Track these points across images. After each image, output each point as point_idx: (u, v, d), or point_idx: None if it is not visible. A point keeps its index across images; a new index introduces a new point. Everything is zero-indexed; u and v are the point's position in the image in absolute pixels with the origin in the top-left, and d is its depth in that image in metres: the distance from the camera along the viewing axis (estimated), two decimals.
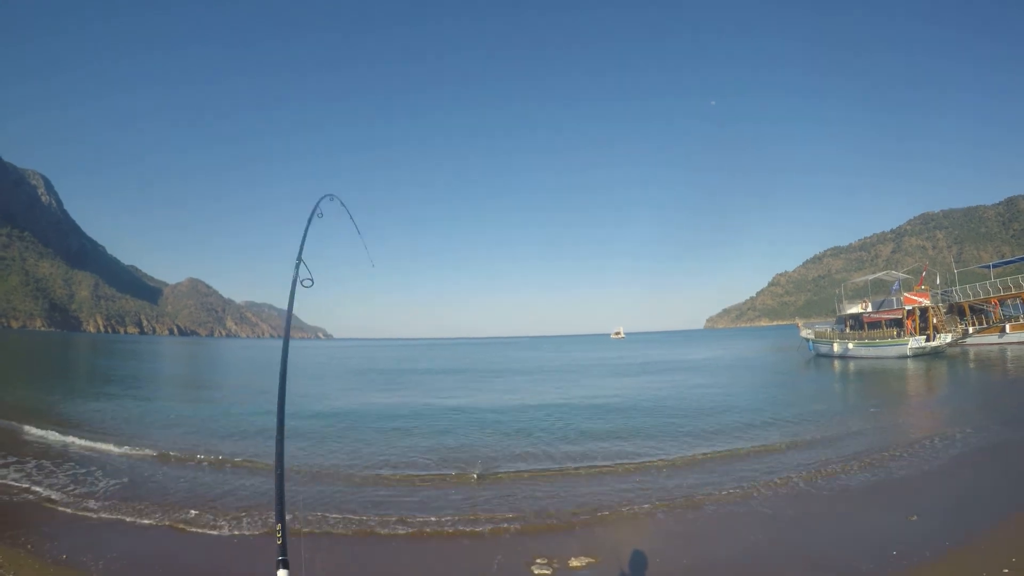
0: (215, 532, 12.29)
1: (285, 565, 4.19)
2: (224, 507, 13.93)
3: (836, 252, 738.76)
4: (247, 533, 12.22)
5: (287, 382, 5.36)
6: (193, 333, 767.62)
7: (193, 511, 13.41)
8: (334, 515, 13.22)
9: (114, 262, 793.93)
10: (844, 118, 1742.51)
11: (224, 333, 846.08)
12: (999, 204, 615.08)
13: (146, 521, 12.88)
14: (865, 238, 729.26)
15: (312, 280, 6.63)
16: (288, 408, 4.97)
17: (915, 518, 12.00)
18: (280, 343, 6.36)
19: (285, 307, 6.63)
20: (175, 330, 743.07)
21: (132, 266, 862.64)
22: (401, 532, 12.36)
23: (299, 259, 6.63)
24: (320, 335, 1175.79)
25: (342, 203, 8.64)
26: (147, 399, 35.91)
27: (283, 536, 4.36)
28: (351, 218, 9.16)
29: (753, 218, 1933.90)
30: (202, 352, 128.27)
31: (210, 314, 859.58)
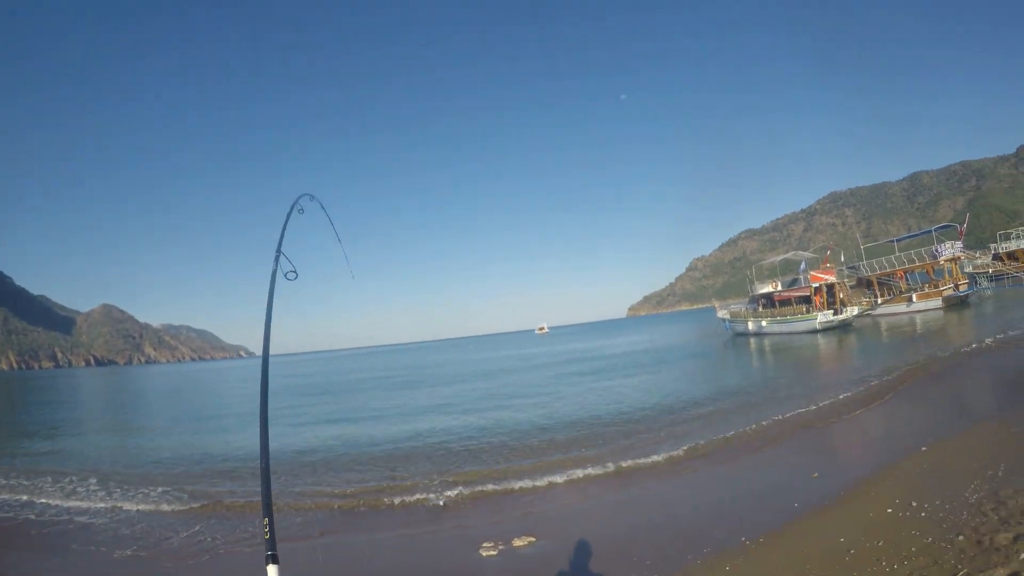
0: None
1: (274, 560, 4.04)
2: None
3: (750, 234, 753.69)
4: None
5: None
6: (111, 362, 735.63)
7: None
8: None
9: (23, 293, 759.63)
10: (752, 101, 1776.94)
11: (143, 360, 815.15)
12: (903, 180, 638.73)
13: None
14: (777, 219, 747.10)
15: (296, 273, 6.43)
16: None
17: (816, 475, 13.51)
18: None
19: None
20: (91, 361, 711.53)
21: (42, 295, 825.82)
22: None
23: (278, 251, 6.50)
24: (242, 353, 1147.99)
25: (322, 206, 8.20)
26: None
27: (271, 531, 4.18)
28: (331, 223, 8.61)
29: (668, 205, 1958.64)
30: (123, 384, 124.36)
31: (127, 341, 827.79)
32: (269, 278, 6.26)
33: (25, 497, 18.85)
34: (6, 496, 19.40)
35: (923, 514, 9.86)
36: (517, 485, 15.72)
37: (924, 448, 13.87)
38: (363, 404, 40.98)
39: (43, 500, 18.41)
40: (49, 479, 20.87)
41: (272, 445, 5.13)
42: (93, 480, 19.96)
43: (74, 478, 20.49)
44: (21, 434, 35.87)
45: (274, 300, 6.19)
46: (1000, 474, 10.92)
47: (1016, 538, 8.17)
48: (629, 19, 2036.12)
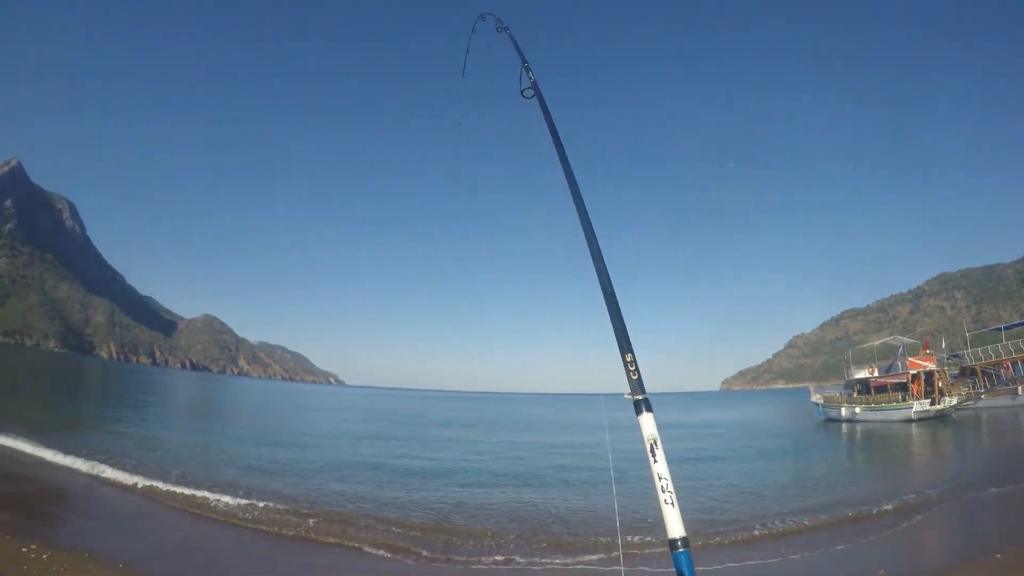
0: None
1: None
2: None
3: (854, 314, 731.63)
4: None
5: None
6: (205, 368, 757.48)
7: None
8: None
9: (131, 291, 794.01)
10: (856, 174, 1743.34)
11: (236, 371, 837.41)
12: (1017, 262, 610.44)
13: None
14: (883, 299, 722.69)
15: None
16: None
17: (883, 573, 13.21)
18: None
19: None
20: (187, 364, 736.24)
21: (149, 297, 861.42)
22: None
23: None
24: (332, 380, 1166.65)
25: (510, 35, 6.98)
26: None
27: None
28: (516, 48, 6.67)
29: (770, 278, 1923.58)
30: (223, 388, 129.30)
31: (223, 351, 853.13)
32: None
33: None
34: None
35: None
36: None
37: (999, 555, 13.43)
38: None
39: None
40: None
41: None
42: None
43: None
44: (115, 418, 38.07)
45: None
46: None
47: None
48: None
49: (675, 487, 3.84)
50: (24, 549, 11.92)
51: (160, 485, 18.67)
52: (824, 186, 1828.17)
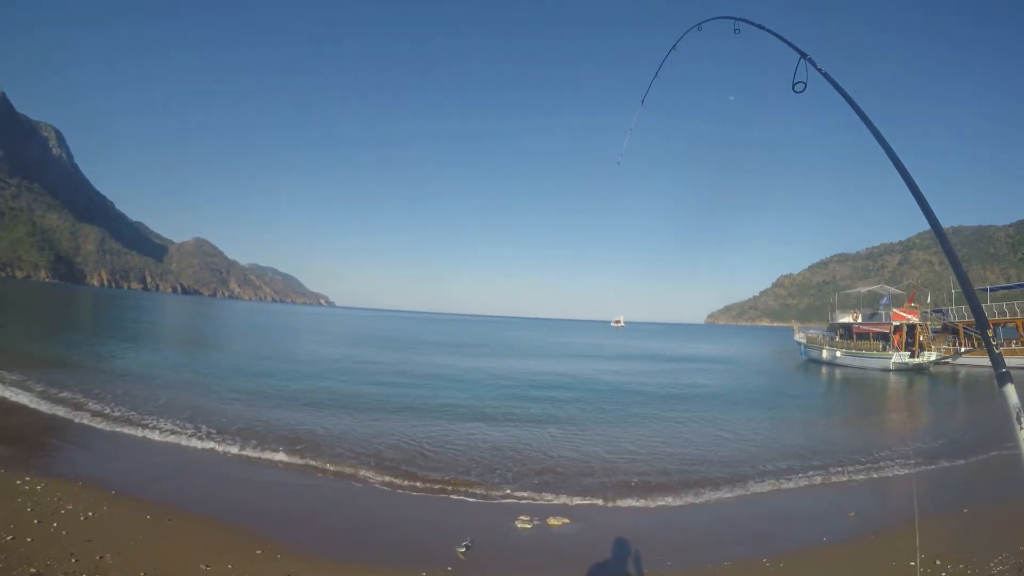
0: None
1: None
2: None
3: (843, 259, 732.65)
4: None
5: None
6: (196, 292, 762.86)
7: None
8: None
9: (121, 217, 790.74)
10: (855, 126, 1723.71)
11: (227, 294, 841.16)
12: (1010, 226, 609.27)
13: None
14: (873, 247, 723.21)
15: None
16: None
17: (853, 515, 13.80)
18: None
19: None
20: (178, 288, 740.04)
21: (139, 222, 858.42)
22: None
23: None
24: (322, 301, 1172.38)
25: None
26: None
27: None
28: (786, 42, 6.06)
29: (760, 217, 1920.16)
30: (213, 312, 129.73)
31: (214, 274, 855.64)
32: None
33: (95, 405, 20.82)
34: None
35: (943, 574, 10.14)
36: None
37: (966, 510, 13.99)
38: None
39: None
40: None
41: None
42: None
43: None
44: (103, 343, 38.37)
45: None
46: None
47: None
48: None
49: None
50: (18, 482, 12.29)
51: (149, 419, 18.76)
52: (825, 130, 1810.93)
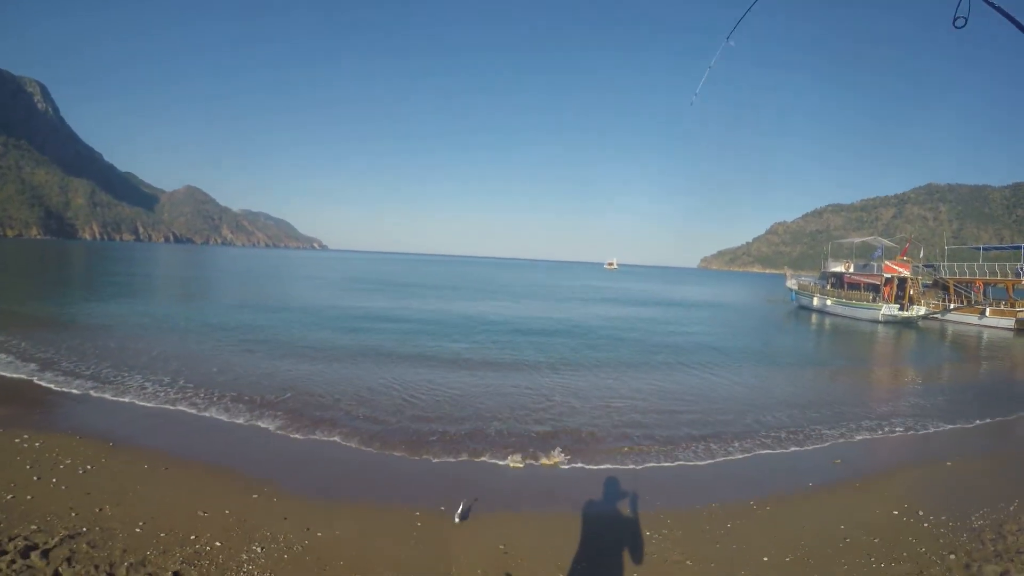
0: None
1: None
2: None
3: (837, 209, 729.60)
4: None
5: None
6: (189, 241, 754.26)
7: None
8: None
9: (110, 169, 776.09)
10: (858, 81, 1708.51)
11: (220, 241, 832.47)
12: (1006, 187, 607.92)
13: None
14: (868, 199, 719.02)
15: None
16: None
17: (839, 462, 14.08)
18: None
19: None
20: (171, 237, 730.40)
21: (129, 173, 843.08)
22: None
23: None
24: (315, 245, 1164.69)
25: None
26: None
27: None
28: None
29: (756, 163, 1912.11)
30: (204, 260, 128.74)
31: (206, 222, 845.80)
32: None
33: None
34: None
35: (925, 524, 10.39)
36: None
37: (949, 463, 14.25)
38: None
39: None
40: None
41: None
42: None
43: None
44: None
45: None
46: (1012, 508, 11.28)
47: (1003, 573, 8.59)
48: None
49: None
50: (16, 440, 12.37)
51: (139, 377, 18.47)
52: (825, 79, 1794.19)
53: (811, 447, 15.16)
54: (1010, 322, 54.86)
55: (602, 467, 12.69)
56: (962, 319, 59.81)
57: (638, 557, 8.83)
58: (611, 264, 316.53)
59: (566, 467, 12.64)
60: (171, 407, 15.78)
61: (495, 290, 71.94)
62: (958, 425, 18.23)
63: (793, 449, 14.90)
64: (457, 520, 9.15)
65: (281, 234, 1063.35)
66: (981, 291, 62.05)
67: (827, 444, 15.47)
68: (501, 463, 12.70)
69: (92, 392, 16.71)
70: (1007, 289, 59.94)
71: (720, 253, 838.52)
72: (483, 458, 13.03)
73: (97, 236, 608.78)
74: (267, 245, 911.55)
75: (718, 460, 13.86)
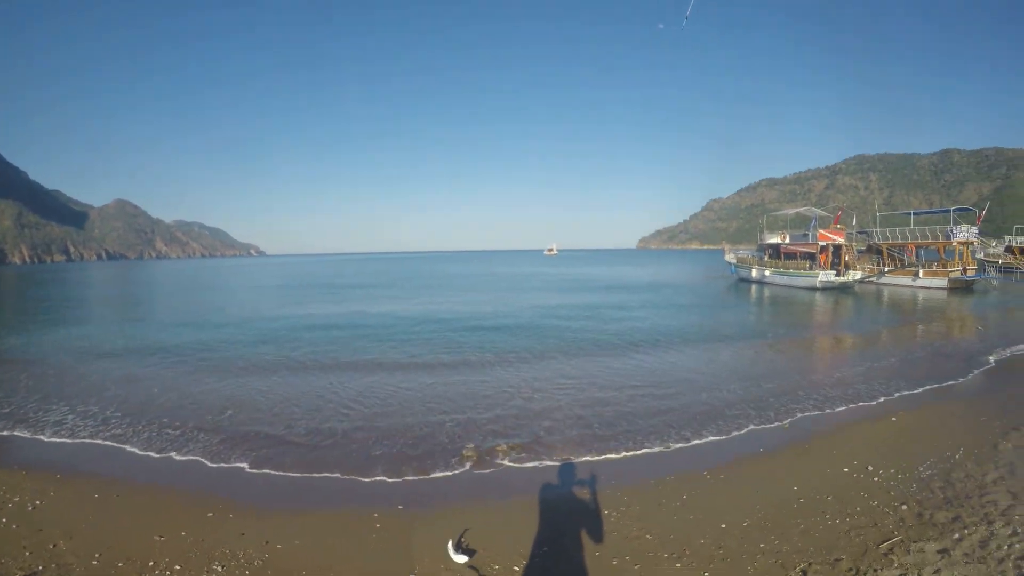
0: None
1: None
2: None
3: (771, 183, 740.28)
4: None
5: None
6: (122, 257, 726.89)
7: None
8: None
9: (37, 187, 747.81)
10: (784, 56, 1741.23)
11: (154, 255, 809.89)
12: (934, 154, 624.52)
13: None
14: (800, 172, 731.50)
15: None
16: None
17: (787, 425, 14.15)
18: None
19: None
20: (103, 255, 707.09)
21: (56, 191, 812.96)
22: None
23: None
24: (252, 251, 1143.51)
25: None
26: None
27: None
28: None
29: (689, 142, 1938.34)
30: (135, 276, 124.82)
31: (139, 236, 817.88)
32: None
33: None
34: None
35: (875, 479, 10.62)
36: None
37: (894, 418, 14.51)
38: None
39: None
40: None
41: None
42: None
43: None
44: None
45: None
46: (957, 457, 11.61)
47: (954, 519, 8.85)
48: None
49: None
50: None
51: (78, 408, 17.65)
52: (754, 54, 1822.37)
53: (761, 415, 15.26)
54: (943, 282, 56.57)
55: (557, 453, 12.61)
56: (897, 281, 61.40)
57: (598, 536, 8.83)
58: (551, 250, 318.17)
59: (521, 455, 12.50)
60: (116, 433, 15.05)
61: (437, 286, 71.05)
62: (901, 383, 18.51)
63: (744, 419, 14.92)
64: (455, 557, 8.66)
65: (217, 243, 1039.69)
66: (913, 254, 63.83)
67: (776, 411, 15.59)
68: (456, 454, 12.51)
69: (31, 425, 15.89)
70: (938, 251, 61.74)
71: (658, 232, 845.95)
72: (436, 450, 12.91)
73: (27, 259, 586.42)
74: (203, 255, 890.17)
75: (673, 436, 13.86)
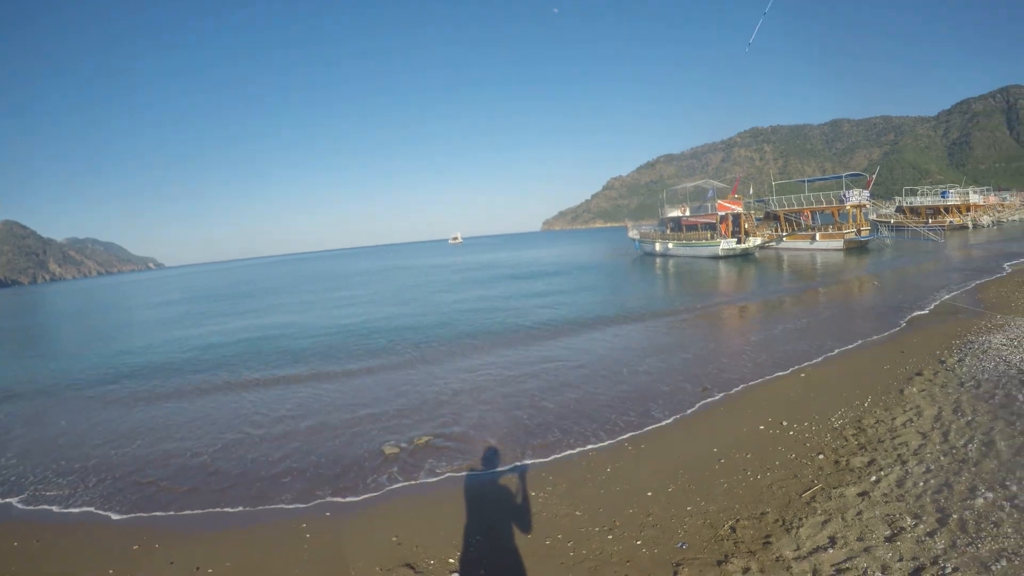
0: None
1: None
2: None
3: (669, 159, 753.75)
4: None
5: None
6: (15, 283, 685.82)
7: None
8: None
9: None
10: (682, 30, 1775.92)
11: (48, 277, 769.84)
12: (825, 124, 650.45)
13: None
14: (697, 147, 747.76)
15: None
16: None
17: (702, 391, 14.29)
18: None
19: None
20: None
21: None
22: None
23: None
24: (150, 264, 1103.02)
25: None
26: None
27: None
28: None
29: (589, 124, 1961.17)
30: (24, 306, 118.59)
31: (30, 259, 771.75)
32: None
33: None
34: None
35: (791, 433, 10.90)
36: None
37: (803, 374, 14.89)
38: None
39: None
40: None
41: None
42: None
43: None
44: None
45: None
46: (866, 405, 12.03)
47: (870, 462, 9.17)
48: None
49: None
50: None
51: None
52: (651, 32, 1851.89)
53: (677, 385, 15.36)
54: (839, 243, 59.02)
55: (482, 444, 12.35)
56: (795, 245, 63.69)
57: (527, 519, 8.76)
58: (455, 239, 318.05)
59: (447, 448, 12.26)
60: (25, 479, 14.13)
61: (340, 286, 69.05)
62: (809, 343, 18.90)
63: (663, 390, 14.98)
64: None
65: (113, 259, 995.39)
66: (810, 218, 65.99)
67: (691, 380, 15.74)
68: (377, 451, 12.26)
69: None
70: (833, 215, 64.08)
71: (561, 214, 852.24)
72: (358, 452, 12.70)
73: None
74: (99, 273, 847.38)
75: (588, 410, 13.87)
